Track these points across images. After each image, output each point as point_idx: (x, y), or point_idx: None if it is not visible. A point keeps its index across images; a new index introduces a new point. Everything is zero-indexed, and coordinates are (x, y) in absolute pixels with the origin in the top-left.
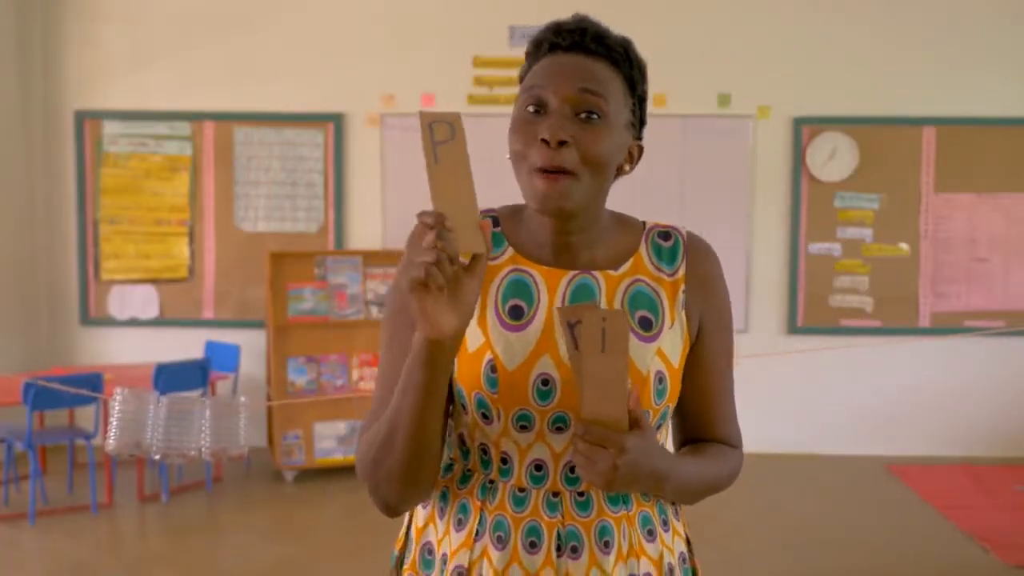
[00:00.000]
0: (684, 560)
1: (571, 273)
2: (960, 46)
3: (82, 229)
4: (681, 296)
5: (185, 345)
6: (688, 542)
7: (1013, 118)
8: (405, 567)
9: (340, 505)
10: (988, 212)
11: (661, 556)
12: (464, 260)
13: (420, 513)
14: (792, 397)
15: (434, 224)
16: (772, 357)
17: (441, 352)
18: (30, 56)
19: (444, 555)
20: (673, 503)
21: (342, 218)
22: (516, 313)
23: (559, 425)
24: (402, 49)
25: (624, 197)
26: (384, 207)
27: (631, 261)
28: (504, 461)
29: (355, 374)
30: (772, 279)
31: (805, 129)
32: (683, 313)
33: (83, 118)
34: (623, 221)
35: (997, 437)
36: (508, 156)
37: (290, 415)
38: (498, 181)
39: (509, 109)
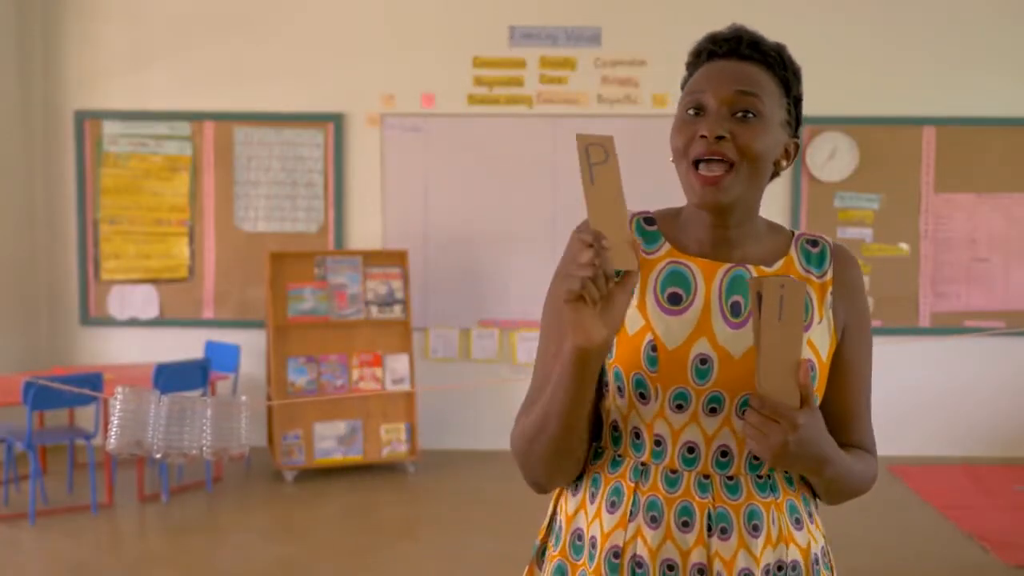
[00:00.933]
0: (827, 555)
1: (727, 265)
2: (960, 46)
3: (82, 229)
4: (829, 297)
5: (185, 345)
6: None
7: (1013, 118)
8: (553, 553)
9: (340, 505)
10: (988, 212)
11: (809, 545)
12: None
13: (570, 500)
14: None
15: (592, 242)
16: None
17: (589, 359)
18: (30, 56)
19: (594, 538)
20: (815, 497)
21: (342, 218)
22: (675, 299)
23: (713, 406)
24: (402, 49)
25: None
26: (384, 207)
27: (782, 261)
28: (657, 443)
29: (355, 374)
30: None
31: (805, 129)
32: (830, 312)
33: (83, 118)
34: (775, 227)
35: (997, 437)
36: (670, 159)
37: (290, 415)
38: (498, 180)
39: (509, 109)
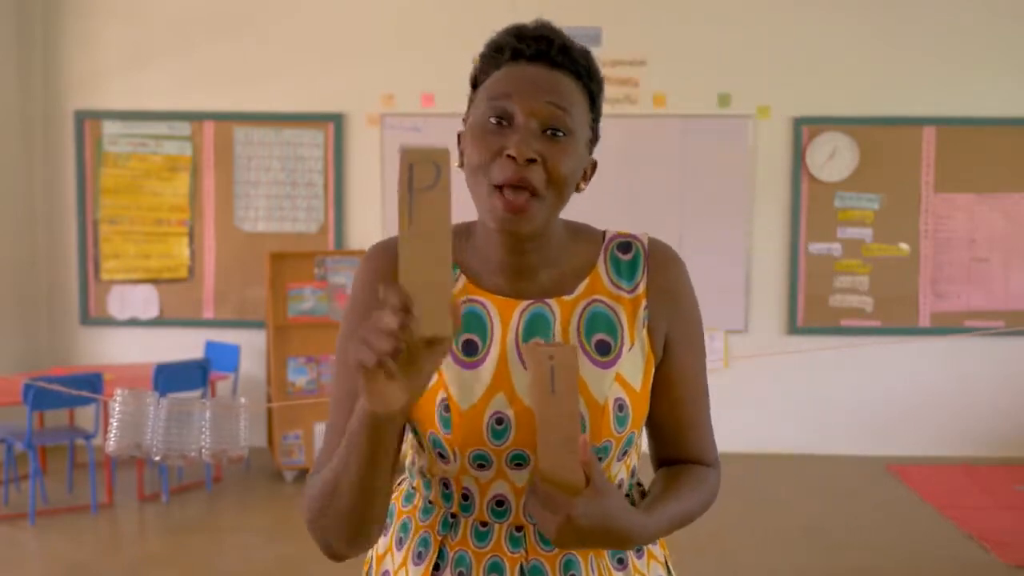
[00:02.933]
0: None
1: (524, 303)
2: (960, 46)
3: (82, 229)
4: (642, 313)
5: (185, 345)
6: (667, 564)
7: (1013, 118)
8: None
9: None
10: (988, 212)
11: None
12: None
13: (381, 540)
14: (792, 397)
15: (400, 307)
16: (772, 357)
17: (384, 425)
18: (30, 56)
19: None
20: None
21: (342, 218)
22: (470, 348)
23: (518, 462)
24: (402, 49)
25: (625, 197)
26: (384, 207)
27: (587, 281)
28: (465, 497)
29: None
30: (772, 279)
31: (805, 129)
32: (644, 332)
33: (83, 118)
34: (580, 233)
35: (997, 437)
36: (458, 165)
37: (290, 415)
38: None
39: None
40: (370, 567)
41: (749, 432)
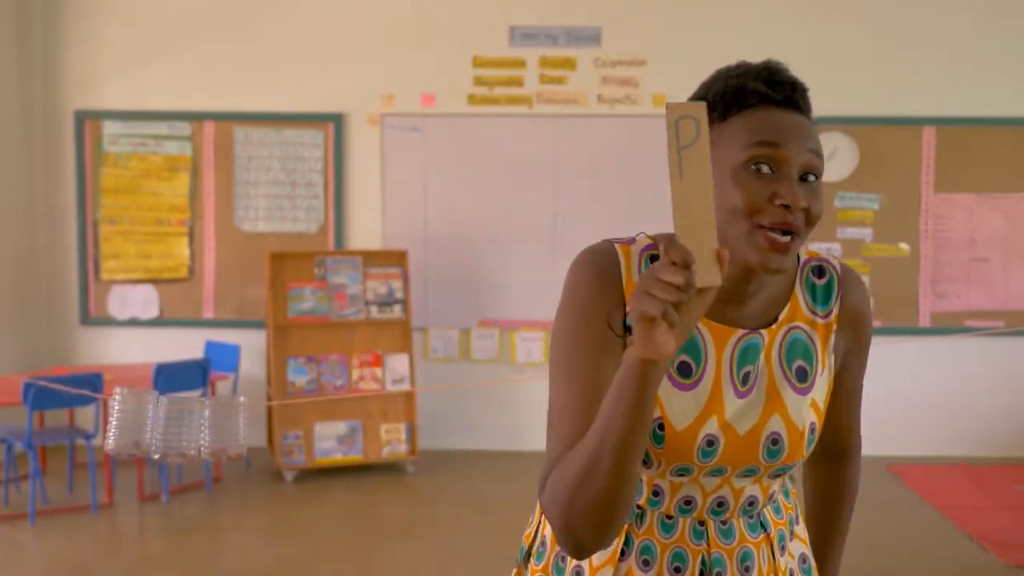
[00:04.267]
0: (804, 560)
1: (739, 332)
2: (960, 46)
3: (82, 229)
4: (833, 337)
5: (185, 345)
6: (808, 543)
7: (1013, 118)
8: (536, 567)
9: (340, 505)
10: (988, 212)
11: (787, 566)
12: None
13: None
14: None
15: (683, 264)
16: None
17: (654, 373)
18: (30, 56)
19: (580, 568)
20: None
21: (342, 218)
22: (684, 370)
23: (715, 473)
24: (402, 49)
25: (625, 197)
26: (384, 207)
27: (788, 308)
28: (656, 494)
29: (355, 374)
30: None
31: None
32: (833, 356)
33: (83, 118)
34: None
35: (997, 437)
36: (720, 207)
37: (290, 415)
38: (498, 180)
39: (509, 109)
40: (538, 541)
41: None
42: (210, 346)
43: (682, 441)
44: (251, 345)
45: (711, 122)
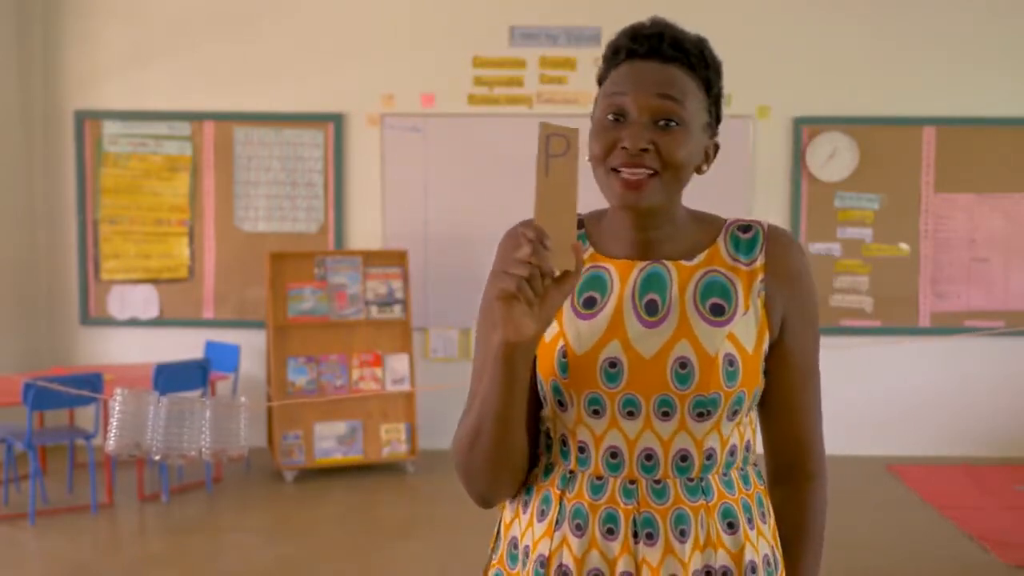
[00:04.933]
0: (770, 564)
1: (642, 263)
2: (960, 46)
3: (82, 229)
4: (759, 284)
5: (185, 345)
6: (777, 545)
7: (1013, 118)
8: (493, 561)
9: (340, 505)
10: (988, 212)
11: (742, 549)
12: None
13: (507, 509)
14: None
15: (534, 239)
16: None
17: (517, 355)
18: (30, 56)
19: (527, 547)
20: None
21: (342, 218)
22: (589, 303)
23: (630, 409)
24: (402, 49)
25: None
26: (384, 207)
27: (706, 252)
28: (581, 450)
29: (355, 374)
30: None
31: (805, 129)
32: (759, 301)
33: (83, 118)
34: (703, 218)
35: (997, 437)
36: (588, 159)
37: (290, 415)
38: (498, 180)
39: (509, 109)
40: (497, 539)
41: None
42: (210, 346)
43: (584, 364)
44: (251, 345)
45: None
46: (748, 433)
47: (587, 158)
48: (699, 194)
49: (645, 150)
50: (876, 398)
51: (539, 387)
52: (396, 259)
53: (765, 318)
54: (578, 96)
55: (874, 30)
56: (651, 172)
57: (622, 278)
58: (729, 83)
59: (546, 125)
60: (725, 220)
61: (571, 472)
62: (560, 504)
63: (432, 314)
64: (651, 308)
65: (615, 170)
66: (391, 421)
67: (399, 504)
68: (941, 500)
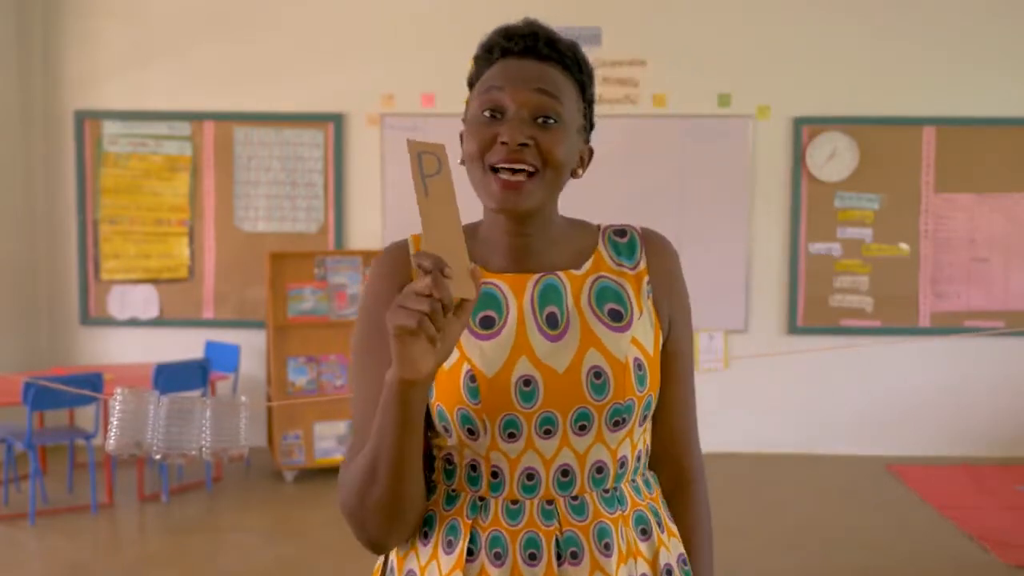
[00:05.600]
0: (685, 562)
1: (536, 276)
2: (960, 46)
3: (82, 229)
4: (646, 287)
5: (185, 345)
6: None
7: (1013, 118)
8: None
9: None
10: (988, 212)
11: (656, 555)
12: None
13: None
14: (792, 397)
15: (432, 268)
16: (772, 357)
17: (415, 392)
18: (30, 56)
19: None
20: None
21: (342, 218)
22: (487, 323)
23: (547, 427)
24: (402, 49)
25: (625, 197)
26: (384, 207)
27: (592, 259)
28: (495, 475)
29: None
30: (772, 279)
31: (805, 129)
32: (649, 303)
33: (83, 118)
34: (576, 224)
35: (997, 437)
36: (460, 161)
37: (290, 415)
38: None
39: None
40: (387, 573)
41: (749, 432)
42: (210, 346)
43: (497, 387)
44: (251, 345)
45: (472, 83)
46: (647, 437)
47: (460, 160)
48: (700, 193)
49: (525, 145)
50: (876, 398)
51: (438, 419)
52: None
53: (657, 320)
54: None
55: (874, 30)
56: (531, 171)
57: (516, 293)
58: (729, 83)
59: (413, 143)
60: (597, 225)
61: (481, 499)
62: (472, 533)
63: None
64: (552, 321)
65: (494, 169)
66: None
67: None
68: (941, 500)
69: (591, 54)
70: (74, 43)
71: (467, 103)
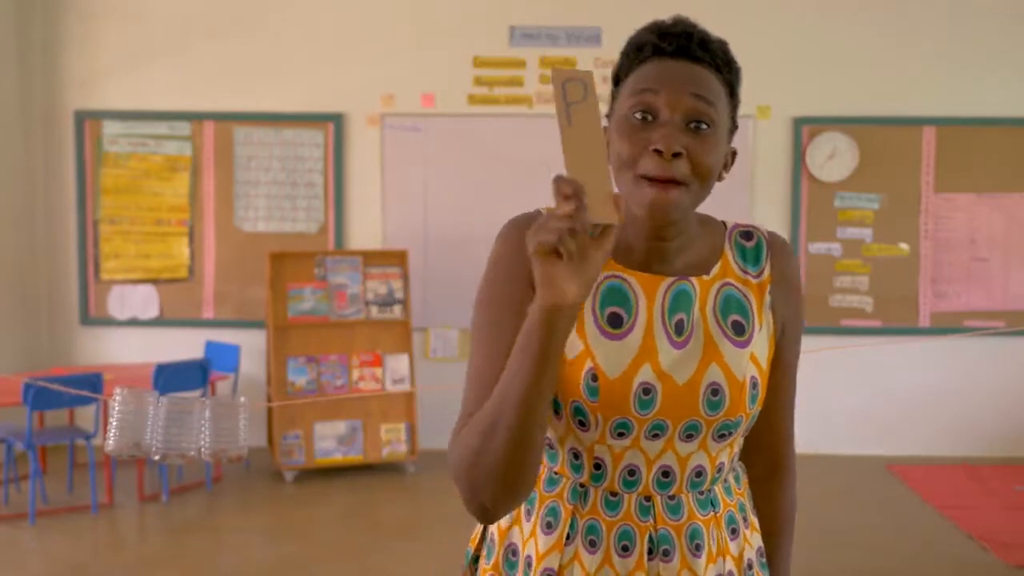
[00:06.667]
0: (761, 554)
1: (668, 280)
2: (960, 46)
3: (82, 229)
4: (768, 298)
5: (185, 345)
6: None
7: (1013, 118)
8: (486, 566)
9: (340, 505)
10: (988, 212)
11: (741, 552)
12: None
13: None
14: None
15: (572, 194)
16: None
17: (559, 321)
18: (30, 56)
19: (529, 557)
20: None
21: (342, 218)
22: (615, 321)
23: (656, 432)
24: (402, 49)
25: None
26: (384, 207)
27: (719, 264)
28: (597, 467)
29: (355, 374)
30: None
31: (805, 129)
32: (770, 315)
33: (83, 118)
34: (706, 222)
35: (997, 437)
36: (611, 161)
37: (290, 415)
38: (498, 180)
39: (509, 109)
40: (485, 542)
41: None
42: (210, 346)
43: (617, 390)
44: (251, 345)
45: (617, 82)
46: (742, 439)
47: (609, 161)
48: None
49: (678, 154)
50: (876, 398)
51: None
52: (396, 259)
53: (774, 331)
54: None
55: (874, 30)
56: (681, 185)
57: (647, 294)
58: None
59: (559, 71)
60: (724, 224)
61: (582, 486)
62: (572, 519)
63: (432, 314)
64: (679, 328)
65: (645, 178)
66: (391, 421)
67: (399, 504)
68: (941, 500)
69: (591, 54)
70: (74, 43)
71: (612, 98)
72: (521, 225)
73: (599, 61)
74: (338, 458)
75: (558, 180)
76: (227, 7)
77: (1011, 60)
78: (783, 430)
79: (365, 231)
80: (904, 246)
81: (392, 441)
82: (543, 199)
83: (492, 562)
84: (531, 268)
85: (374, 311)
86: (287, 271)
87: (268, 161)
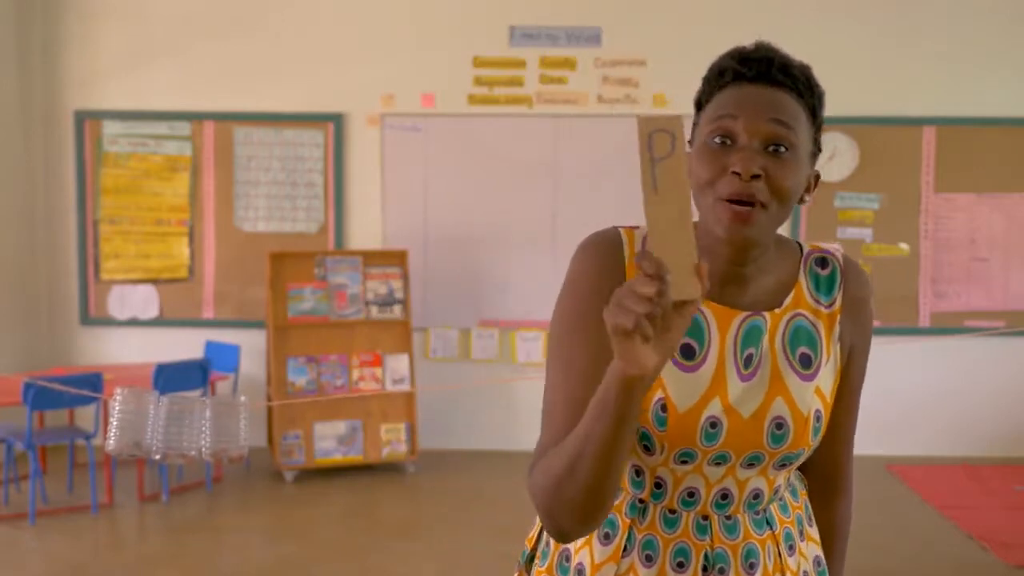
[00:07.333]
0: (819, 563)
1: (742, 315)
2: (960, 46)
3: (82, 229)
4: (837, 328)
5: (185, 345)
6: (820, 544)
7: (1013, 118)
8: (540, 569)
9: (340, 505)
10: (988, 212)
11: (799, 566)
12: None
13: None
14: None
15: (655, 275)
16: None
17: (636, 388)
18: (30, 56)
19: (582, 565)
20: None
21: (342, 218)
22: (687, 352)
23: (719, 461)
24: (402, 49)
25: (625, 197)
26: (384, 207)
27: (792, 295)
28: (658, 486)
29: (355, 374)
30: None
31: None
32: (838, 347)
33: (83, 118)
34: (783, 245)
35: (997, 437)
36: (692, 185)
37: (290, 415)
38: (498, 180)
39: (509, 109)
40: (539, 543)
41: None
42: (210, 346)
43: (685, 423)
44: (251, 345)
45: (700, 107)
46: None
47: (692, 184)
48: None
49: (756, 176)
50: (876, 398)
51: None
52: (396, 259)
53: (840, 360)
54: (578, 96)
55: (874, 30)
56: (760, 205)
57: (721, 328)
58: None
59: (647, 119)
60: (801, 248)
61: (641, 501)
62: (630, 532)
63: (432, 314)
64: (748, 361)
65: (723, 200)
66: (391, 421)
67: (399, 504)
68: (941, 500)
69: (591, 54)
70: (74, 43)
71: (694, 125)
72: (600, 245)
73: (599, 61)
74: (338, 458)
75: (642, 258)
76: (227, 7)
77: (1011, 60)
78: (843, 453)
79: (365, 231)
80: (904, 246)
81: (392, 441)
82: (543, 199)
83: (547, 565)
84: (610, 289)
85: (374, 311)
86: (287, 271)
87: (268, 161)
